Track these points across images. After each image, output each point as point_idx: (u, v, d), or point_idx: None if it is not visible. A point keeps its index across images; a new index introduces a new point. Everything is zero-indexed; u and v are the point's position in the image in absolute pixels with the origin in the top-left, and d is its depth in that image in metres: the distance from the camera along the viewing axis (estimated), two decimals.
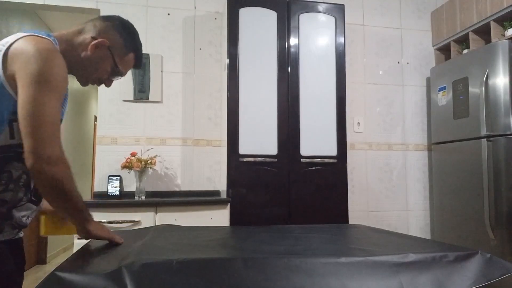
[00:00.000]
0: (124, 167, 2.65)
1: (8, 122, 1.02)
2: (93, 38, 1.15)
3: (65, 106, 1.14)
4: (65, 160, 1.01)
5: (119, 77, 1.24)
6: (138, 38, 1.27)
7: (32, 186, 1.11)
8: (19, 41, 1.01)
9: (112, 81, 1.24)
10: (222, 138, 2.83)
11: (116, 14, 1.28)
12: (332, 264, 1.01)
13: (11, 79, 0.99)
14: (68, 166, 1.02)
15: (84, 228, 1.12)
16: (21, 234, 1.16)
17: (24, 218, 1.12)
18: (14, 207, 1.07)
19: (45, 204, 1.21)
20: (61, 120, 1.10)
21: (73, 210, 1.07)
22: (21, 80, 0.97)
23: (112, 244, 1.21)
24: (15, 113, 1.00)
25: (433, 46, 3.47)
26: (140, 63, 1.28)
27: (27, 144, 0.96)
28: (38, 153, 0.96)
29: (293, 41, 2.73)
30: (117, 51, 1.19)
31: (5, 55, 1.00)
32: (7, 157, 1.03)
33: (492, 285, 1.06)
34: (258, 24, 2.69)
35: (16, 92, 1.00)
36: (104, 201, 2.45)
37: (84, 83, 1.22)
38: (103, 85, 1.25)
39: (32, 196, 1.12)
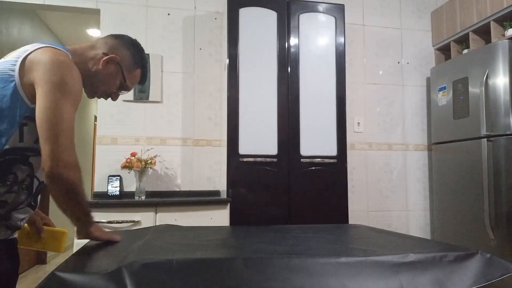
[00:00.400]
0: (124, 167, 2.65)
1: (19, 125, 1.05)
2: (105, 54, 1.21)
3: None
4: (79, 165, 1.06)
5: (125, 91, 1.31)
6: (145, 55, 1.34)
7: (33, 190, 1.13)
8: (37, 51, 1.07)
9: (118, 95, 1.31)
10: (222, 138, 2.83)
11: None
12: (332, 264, 1.01)
13: (27, 86, 1.04)
14: (81, 171, 1.07)
15: (87, 230, 1.17)
16: (15, 235, 1.18)
17: (19, 222, 1.13)
18: (14, 210, 1.09)
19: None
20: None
21: (81, 213, 1.12)
22: (41, 88, 1.02)
23: (112, 244, 1.21)
24: (26, 117, 1.05)
25: (433, 46, 3.47)
26: (145, 79, 1.35)
27: (46, 149, 1.00)
28: (57, 158, 1.00)
29: (293, 41, 2.73)
30: (126, 66, 1.26)
31: (23, 62, 1.06)
32: (14, 159, 1.06)
33: (492, 285, 1.06)
34: (258, 24, 2.69)
35: (29, 99, 1.05)
36: (104, 201, 2.46)
37: (91, 95, 1.28)
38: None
39: (32, 201, 1.14)
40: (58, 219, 1.37)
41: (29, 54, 1.07)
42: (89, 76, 1.20)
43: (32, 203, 1.15)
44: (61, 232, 1.32)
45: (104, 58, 1.20)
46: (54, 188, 1.04)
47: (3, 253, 1.10)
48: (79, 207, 1.10)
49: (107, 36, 1.29)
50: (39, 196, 1.19)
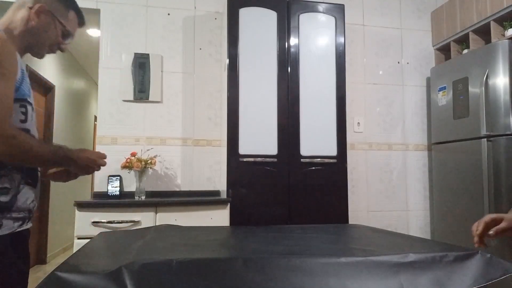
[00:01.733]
0: (124, 167, 2.65)
1: None
2: (31, 8, 1.18)
3: (25, 85, 1.15)
4: (14, 134, 1.03)
5: (71, 39, 1.28)
6: None
7: (23, 168, 1.13)
8: None
9: (66, 45, 1.28)
10: (222, 138, 2.83)
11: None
12: (332, 264, 1.01)
13: None
14: (20, 139, 1.03)
15: (71, 161, 1.15)
16: (26, 226, 1.16)
17: (29, 201, 1.13)
18: (18, 193, 1.10)
19: None
20: (27, 99, 1.13)
21: (41, 161, 1.11)
22: None
23: (112, 244, 1.21)
24: None
25: (433, 46, 3.47)
26: (83, 19, 1.32)
27: None
28: None
29: (293, 41, 2.73)
30: (58, 12, 1.23)
31: None
32: None
33: (492, 285, 1.06)
34: (258, 24, 2.69)
35: None
36: (104, 201, 2.46)
37: (40, 55, 1.26)
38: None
39: (29, 178, 1.14)
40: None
41: None
42: (29, 38, 1.19)
43: (29, 180, 1.14)
44: None
45: (33, 11, 1.17)
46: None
47: (9, 248, 1.08)
48: (38, 159, 1.09)
49: None
50: (38, 173, 1.19)
